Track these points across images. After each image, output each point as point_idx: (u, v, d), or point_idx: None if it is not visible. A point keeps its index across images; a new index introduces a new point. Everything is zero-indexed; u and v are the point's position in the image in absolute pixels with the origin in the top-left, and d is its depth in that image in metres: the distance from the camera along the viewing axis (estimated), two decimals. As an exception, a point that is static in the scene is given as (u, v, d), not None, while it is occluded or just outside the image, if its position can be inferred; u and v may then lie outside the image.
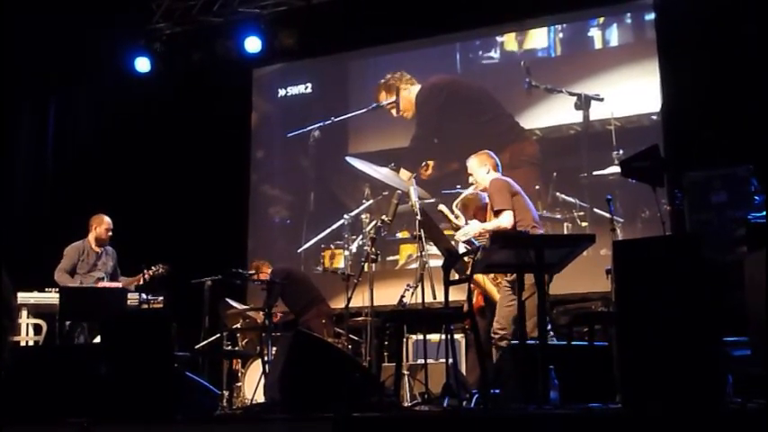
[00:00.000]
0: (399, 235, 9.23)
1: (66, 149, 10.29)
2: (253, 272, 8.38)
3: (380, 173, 9.61)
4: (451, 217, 6.26)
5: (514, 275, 5.18)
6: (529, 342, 4.80)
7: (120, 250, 8.29)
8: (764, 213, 5.58)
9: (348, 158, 9.94)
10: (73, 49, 10.03)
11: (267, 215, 10.48)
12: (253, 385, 7.02)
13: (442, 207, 6.36)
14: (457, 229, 6.18)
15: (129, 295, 7.54)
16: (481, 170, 6.25)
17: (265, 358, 6.83)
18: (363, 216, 9.29)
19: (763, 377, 3.72)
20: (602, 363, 4.84)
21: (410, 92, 9.81)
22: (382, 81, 9.97)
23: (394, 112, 9.86)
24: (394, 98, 9.86)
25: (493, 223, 5.95)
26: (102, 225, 8.01)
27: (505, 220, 5.88)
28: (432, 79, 9.82)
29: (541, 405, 4.27)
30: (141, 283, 7.79)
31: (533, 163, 8.96)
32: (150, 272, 7.70)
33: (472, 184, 6.30)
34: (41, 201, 9.93)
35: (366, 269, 6.52)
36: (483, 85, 9.57)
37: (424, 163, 9.51)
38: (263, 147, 10.67)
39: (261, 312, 7.69)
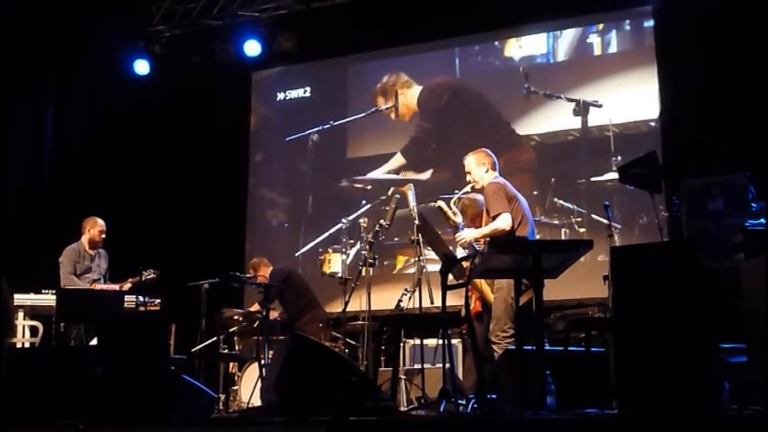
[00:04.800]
0: (397, 239, 9.23)
1: (64, 151, 10.28)
2: (251, 271, 8.44)
3: (382, 174, 9.72)
4: (450, 214, 6.18)
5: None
6: (526, 348, 4.80)
7: (118, 253, 8.28)
8: (761, 221, 5.59)
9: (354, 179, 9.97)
10: (72, 50, 10.03)
11: (265, 218, 10.48)
12: (249, 388, 7.01)
13: (440, 203, 6.27)
14: (455, 225, 6.13)
15: (126, 297, 7.53)
16: (480, 169, 6.19)
17: (262, 361, 6.82)
18: (361, 220, 9.25)
19: (759, 384, 3.72)
20: (599, 368, 4.85)
21: (407, 96, 9.83)
22: (378, 85, 9.99)
23: (393, 116, 9.87)
24: (392, 103, 9.87)
25: (489, 227, 5.88)
26: (95, 227, 8.00)
27: (504, 222, 5.82)
28: (435, 80, 9.83)
29: (538, 410, 4.27)
30: (127, 289, 7.76)
31: (528, 170, 8.97)
32: (138, 278, 7.67)
33: (470, 182, 6.26)
34: (38, 202, 9.91)
35: (364, 273, 6.51)
36: (482, 90, 9.58)
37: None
38: (261, 150, 10.68)
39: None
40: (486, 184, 6.09)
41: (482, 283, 6.26)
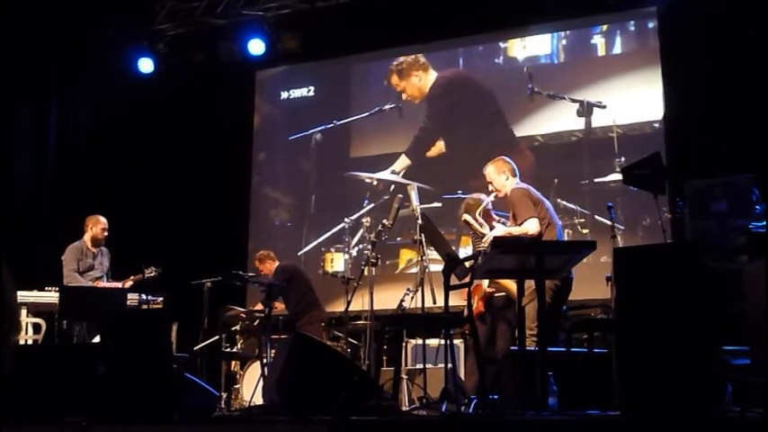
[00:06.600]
0: (400, 239, 9.22)
1: (68, 149, 10.30)
2: (256, 264, 8.50)
3: (384, 175, 9.72)
4: (476, 226, 6.20)
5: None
6: (528, 348, 4.80)
7: (121, 251, 8.29)
8: (765, 223, 5.57)
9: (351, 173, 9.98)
10: (76, 48, 10.05)
11: (268, 217, 10.49)
12: (251, 387, 7.01)
13: (466, 217, 6.29)
14: (482, 236, 6.12)
15: (129, 295, 7.54)
16: (500, 177, 6.21)
17: (264, 360, 6.83)
18: (364, 220, 9.28)
19: (761, 386, 3.72)
20: (601, 370, 4.84)
21: (421, 79, 9.83)
22: (395, 63, 9.97)
23: (404, 95, 9.86)
24: (395, 105, 9.87)
25: (520, 228, 5.88)
26: (98, 225, 8.01)
27: (532, 227, 5.82)
28: (448, 74, 9.81)
29: (540, 411, 4.26)
30: (128, 286, 7.77)
31: (528, 175, 8.95)
32: (140, 276, 7.67)
33: (492, 191, 6.27)
34: (42, 200, 9.93)
35: (366, 273, 6.52)
36: (486, 91, 9.57)
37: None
38: (264, 149, 10.68)
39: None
40: (510, 190, 6.09)
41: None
